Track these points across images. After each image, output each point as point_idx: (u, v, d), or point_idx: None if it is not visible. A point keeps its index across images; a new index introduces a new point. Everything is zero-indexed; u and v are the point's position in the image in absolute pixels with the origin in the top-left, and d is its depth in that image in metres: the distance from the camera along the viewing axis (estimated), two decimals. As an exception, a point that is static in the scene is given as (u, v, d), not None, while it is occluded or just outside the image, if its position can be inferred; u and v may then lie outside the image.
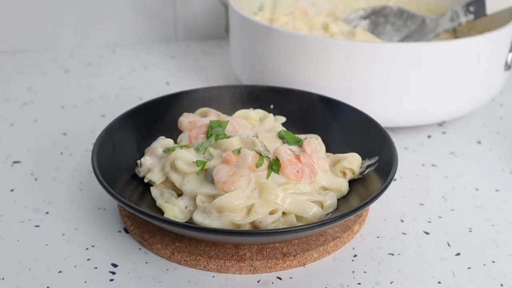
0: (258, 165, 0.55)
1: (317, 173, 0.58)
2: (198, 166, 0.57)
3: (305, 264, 0.55)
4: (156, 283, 0.52)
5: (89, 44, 0.99)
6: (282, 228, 0.50)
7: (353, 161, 0.60)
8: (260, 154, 0.56)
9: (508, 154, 0.72)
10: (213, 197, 0.55)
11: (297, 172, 0.56)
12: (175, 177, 0.58)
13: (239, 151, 0.56)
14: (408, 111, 0.71)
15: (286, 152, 0.57)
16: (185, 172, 0.57)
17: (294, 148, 0.60)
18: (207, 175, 0.56)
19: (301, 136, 0.63)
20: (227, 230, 0.51)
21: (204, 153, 0.59)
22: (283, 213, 0.55)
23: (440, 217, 0.61)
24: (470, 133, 0.76)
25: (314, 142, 0.60)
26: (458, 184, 0.66)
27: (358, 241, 0.58)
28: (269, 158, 0.56)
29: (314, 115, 0.67)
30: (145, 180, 0.60)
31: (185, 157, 0.58)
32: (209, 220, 0.53)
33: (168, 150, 0.60)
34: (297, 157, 0.57)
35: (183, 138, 0.63)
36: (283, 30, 0.71)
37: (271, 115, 0.66)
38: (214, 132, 0.60)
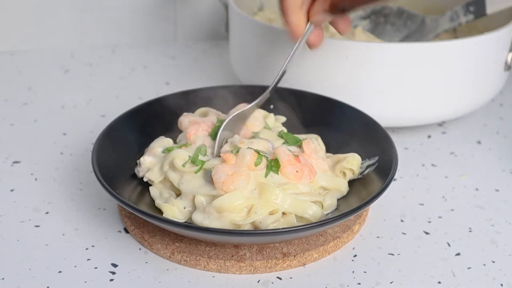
0: (256, 164, 0.55)
1: (316, 173, 0.58)
2: (196, 165, 0.57)
3: (305, 264, 0.55)
4: (156, 283, 0.52)
5: (89, 44, 0.99)
6: (282, 228, 0.50)
7: (352, 161, 0.60)
8: (258, 153, 0.56)
9: (508, 154, 0.72)
10: (212, 197, 0.55)
11: (297, 172, 0.56)
12: (173, 176, 0.58)
13: (237, 150, 0.56)
14: (408, 111, 0.71)
15: (285, 152, 0.57)
16: (183, 171, 0.57)
17: (293, 148, 0.60)
18: (205, 175, 0.56)
19: (301, 136, 0.63)
20: (227, 230, 0.51)
21: (204, 155, 0.59)
22: (283, 213, 0.55)
23: (440, 217, 0.61)
24: (470, 133, 0.76)
25: (313, 142, 0.60)
26: (458, 184, 0.66)
27: (358, 241, 0.58)
28: (267, 158, 0.56)
29: (314, 115, 0.67)
30: (144, 179, 0.60)
31: (183, 156, 0.58)
32: (208, 221, 0.53)
33: (167, 150, 0.60)
34: (296, 157, 0.57)
35: (183, 138, 0.63)
36: (283, 30, 0.71)
37: (271, 115, 0.66)
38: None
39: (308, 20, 0.61)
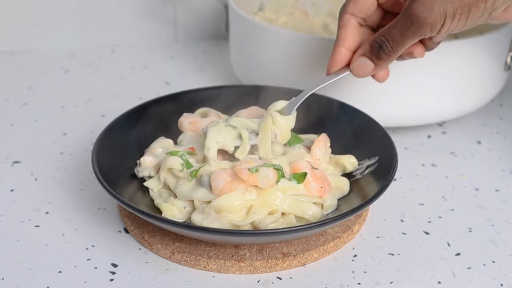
0: (277, 181, 0.55)
1: (331, 184, 0.58)
2: (191, 176, 0.56)
3: (305, 264, 0.55)
4: (156, 283, 0.52)
5: (89, 44, 0.99)
6: (282, 228, 0.50)
7: (344, 160, 0.61)
8: (277, 170, 0.55)
9: (508, 154, 0.72)
10: (208, 202, 0.55)
11: (321, 188, 0.56)
12: (170, 180, 0.58)
13: (256, 169, 0.54)
14: (408, 111, 0.71)
15: (307, 166, 0.56)
16: (179, 176, 0.57)
17: (303, 152, 0.60)
18: (200, 181, 0.56)
19: (302, 136, 0.63)
20: (227, 230, 0.51)
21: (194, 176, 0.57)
22: (282, 213, 0.55)
23: (440, 217, 0.61)
24: (470, 133, 0.76)
25: (326, 141, 0.61)
26: (458, 184, 0.66)
27: (358, 241, 0.58)
28: (281, 169, 0.55)
29: (314, 115, 0.67)
30: (140, 175, 0.60)
31: (177, 165, 0.57)
32: (207, 221, 0.53)
33: (170, 154, 0.59)
34: (315, 170, 0.57)
35: (183, 138, 0.63)
36: (283, 30, 0.71)
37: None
38: None
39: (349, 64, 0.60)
